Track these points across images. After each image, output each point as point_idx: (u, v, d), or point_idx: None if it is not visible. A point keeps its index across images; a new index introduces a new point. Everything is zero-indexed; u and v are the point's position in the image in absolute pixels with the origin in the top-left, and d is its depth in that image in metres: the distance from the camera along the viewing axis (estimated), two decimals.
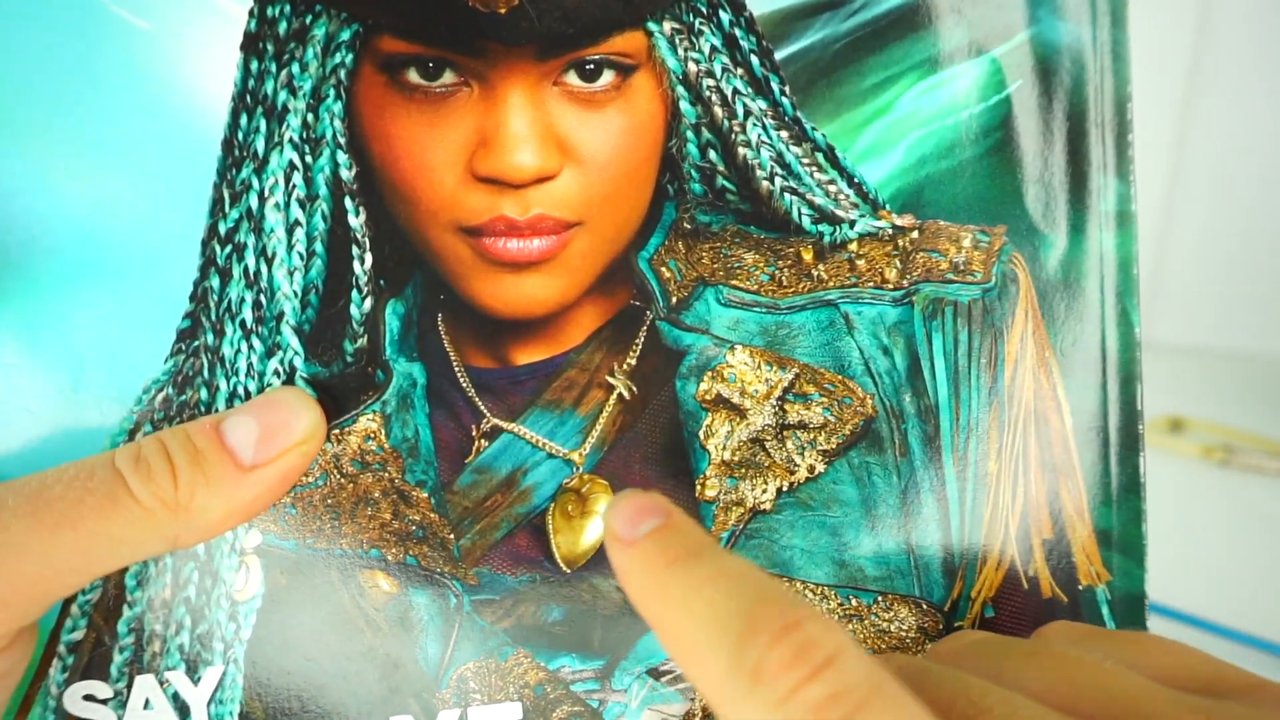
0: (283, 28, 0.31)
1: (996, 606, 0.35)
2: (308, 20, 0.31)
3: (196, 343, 0.32)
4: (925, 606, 0.34)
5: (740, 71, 0.33)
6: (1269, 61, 0.89)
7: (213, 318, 0.32)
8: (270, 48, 0.31)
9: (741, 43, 0.33)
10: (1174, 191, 0.95)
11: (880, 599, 0.34)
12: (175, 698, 0.33)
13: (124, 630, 0.33)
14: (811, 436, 0.34)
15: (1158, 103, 0.92)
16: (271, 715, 0.33)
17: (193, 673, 0.33)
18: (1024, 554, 0.35)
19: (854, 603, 0.34)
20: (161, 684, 0.32)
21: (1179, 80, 0.90)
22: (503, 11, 0.30)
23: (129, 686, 0.32)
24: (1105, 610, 0.35)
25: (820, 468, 0.34)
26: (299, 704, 0.33)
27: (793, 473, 0.34)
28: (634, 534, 0.26)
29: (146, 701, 0.32)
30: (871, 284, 0.34)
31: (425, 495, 0.33)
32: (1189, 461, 0.74)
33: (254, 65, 0.31)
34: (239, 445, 0.29)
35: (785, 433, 0.34)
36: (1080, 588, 0.35)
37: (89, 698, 0.32)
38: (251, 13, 0.31)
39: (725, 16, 0.33)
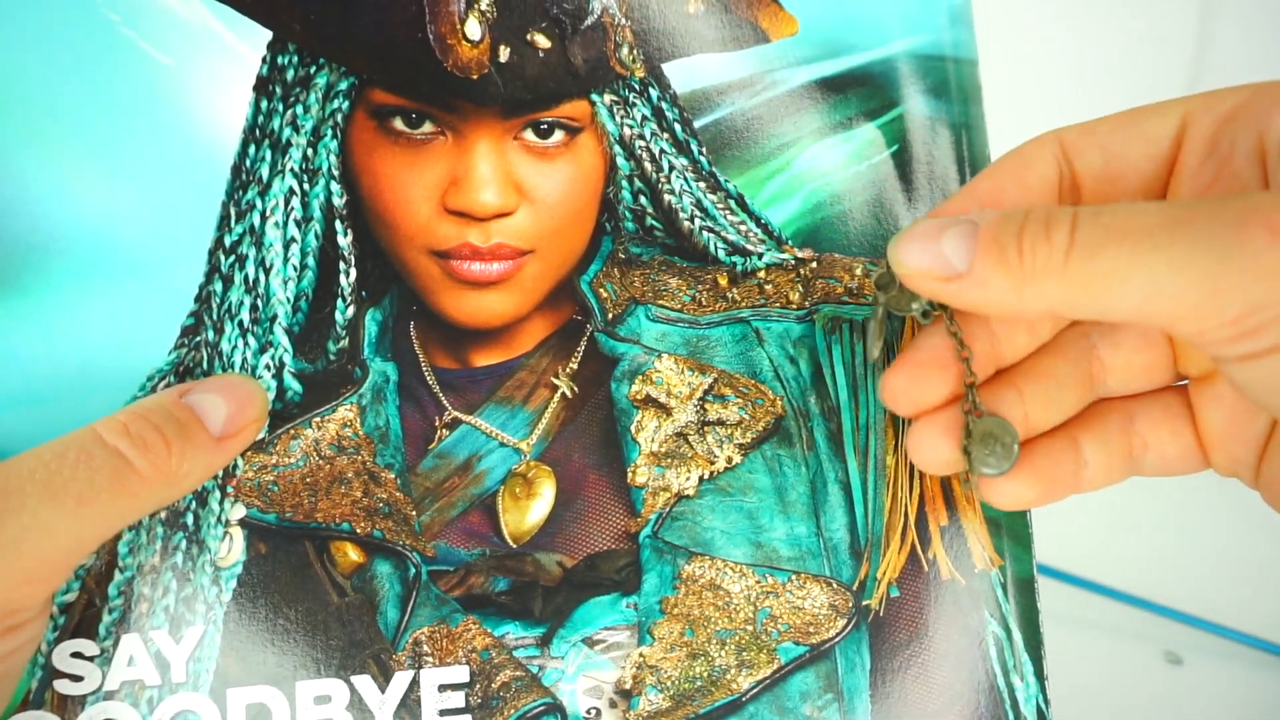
0: (290, 74, 0.38)
1: (901, 587, 0.39)
2: (312, 70, 0.38)
3: (198, 338, 0.38)
4: (835, 585, 0.38)
5: (666, 135, 0.41)
6: (1269, 61, 0.89)
7: (214, 317, 0.38)
8: (279, 90, 0.38)
9: (667, 113, 0.41)
10: None
11: (794, 578, 0.38)
12: (158, 655, 0.36)
13: (114, 593, 0.36)
14: (729, 431, 0.39)
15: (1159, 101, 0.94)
16: (244, 671, 0.36)
17: (175, 632, 0.36)
18: (923, 539, 0.39)
19: (770, 580, 0.38)
20: (145, 642, 0.36)
21: (1180, 80, 0.91)
22: (475, 77, 0.38)
23: (115, 645, 0.36)
24: (1000, 592, 0.39)
25: (737, 459, 0.39)
26: (270, 661, 0.36)
27: (713, 463, 0.39)
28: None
29: (130, 658, 0.36)
30: (778, 304, 0.40)
31: (393, 476, 0.38)
32: None
33: (263, 104, 0.38)
34: (213, 421, 0.34)
35: (706, 428, 0.39)
36: (976, 571, 0.39)
37: (76, 655, 0.36)
38: (264, 59, 0.38)
39: (654, 92, 0.41)
